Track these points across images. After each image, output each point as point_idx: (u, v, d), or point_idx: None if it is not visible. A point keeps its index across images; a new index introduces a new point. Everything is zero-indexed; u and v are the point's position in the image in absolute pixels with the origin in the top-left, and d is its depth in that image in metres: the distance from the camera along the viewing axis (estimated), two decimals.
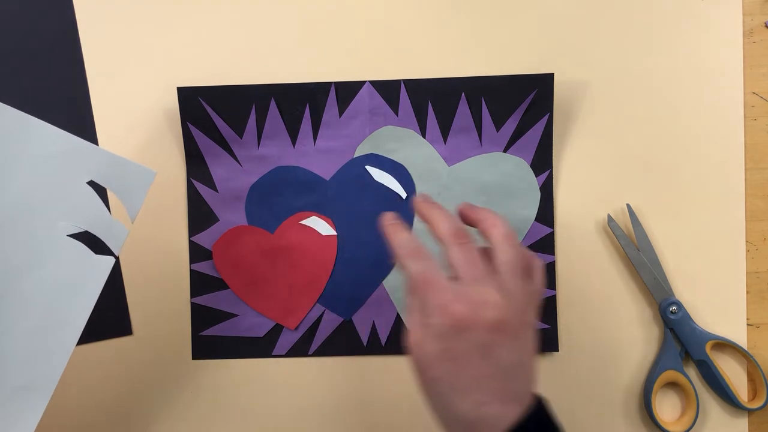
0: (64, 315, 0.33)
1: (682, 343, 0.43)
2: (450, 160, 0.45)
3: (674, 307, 0.43)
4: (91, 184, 0.34)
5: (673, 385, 0.44)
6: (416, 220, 0.45)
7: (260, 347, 0.45)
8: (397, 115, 0.44)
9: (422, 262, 0.30)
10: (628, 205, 0.43)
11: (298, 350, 0.45)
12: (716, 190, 0.44)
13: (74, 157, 0.33)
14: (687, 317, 0.43)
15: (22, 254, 0.33)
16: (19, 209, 0.33)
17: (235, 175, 0.45)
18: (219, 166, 0.45)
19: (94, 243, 0.34)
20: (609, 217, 0.43)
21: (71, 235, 0.33)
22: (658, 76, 0.44)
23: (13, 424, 0.33)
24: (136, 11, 0.45)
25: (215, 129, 0.44)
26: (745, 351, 0.43)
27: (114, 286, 0.44)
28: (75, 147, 0.33)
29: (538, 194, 0.44)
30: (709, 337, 0.43)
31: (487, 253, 0.31)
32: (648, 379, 0.44)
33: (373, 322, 0.45)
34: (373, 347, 0.45)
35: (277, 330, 0.45)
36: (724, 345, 0.44)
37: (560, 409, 0.45)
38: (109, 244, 0.34)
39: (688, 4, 0.44)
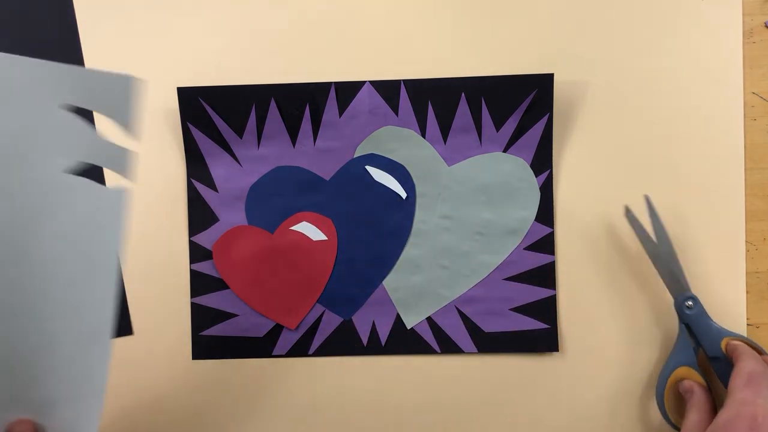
0: (91, 264, 0.30)
1: (696, 340, 0.43)
2: (450, 160, 0.45)
3: (690, 302, 0.42)
4: (72, 109, 0.30)
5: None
6: (416, 220, 0.45)
7: (260, 347, 0.45)
8: (397, 115, 0.44)
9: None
10: (646, 197, 0.43)
11: (298, 350, 0.45)
12: (716, 190, 0.44)
13: (42, 82, 0.29)
14: (703, 313, 0.42)
15: (26, 209, 0.29)
16: (5, 157, 0.29)
17: (235, 175, 0.45)
18: (219, 166, 0.45)
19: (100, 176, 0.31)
20: (626, 208, 0.43)
21: (71, 173, 0.30)
22: (658, 76, 0.44)
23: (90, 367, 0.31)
24: (136, 11, 0.45)
25: (215, 129, 0.44)
26: (761, 348, 0.42)
27: None
28: (39, 70, 0.29)
29: (538, 194, 0.44)
30: (726, 333, 0.42)
31: None
32: (661, 375, 0.43)
33: (373, 322, 0.45)
34: (373, 347, 0.45)
35: (277, 330, 0.45)
36: (740, 342, 0.43)
37: (560, 410, 0.46)
38: (116, 170, 0.30)
39: (687, 4, 0.44)
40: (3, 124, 0.29)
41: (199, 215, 0.45)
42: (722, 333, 0.42)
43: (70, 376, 0.31)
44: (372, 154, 0.45)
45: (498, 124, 0.44)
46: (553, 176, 0.44)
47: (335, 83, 0.44)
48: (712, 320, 0.42)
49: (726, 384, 0.41)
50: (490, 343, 0.45)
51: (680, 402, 0.44)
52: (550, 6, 0.44)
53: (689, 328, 0.42)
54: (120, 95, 0.30)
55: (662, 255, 0.42)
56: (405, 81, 0.44)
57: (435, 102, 0.44)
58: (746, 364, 0.37)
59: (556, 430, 0.45)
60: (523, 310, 0.45)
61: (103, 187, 0.30)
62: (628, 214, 0.43)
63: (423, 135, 0.44)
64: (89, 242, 0.30)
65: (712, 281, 0.44)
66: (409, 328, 0.45)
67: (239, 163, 0.45)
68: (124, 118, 0.30)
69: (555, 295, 0.45)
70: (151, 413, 0.45)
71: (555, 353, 0.45)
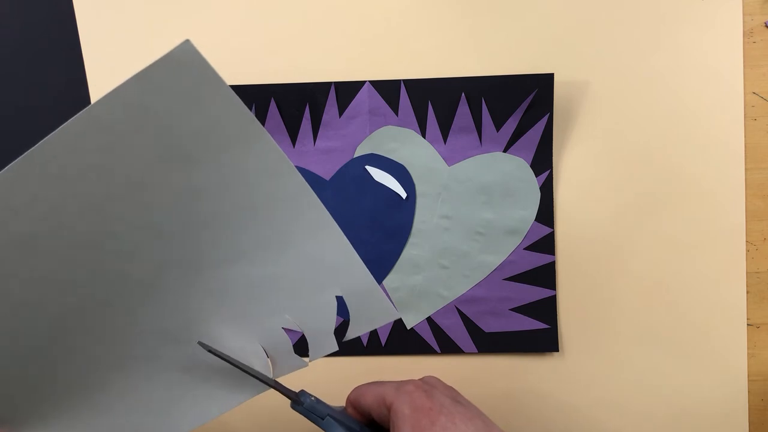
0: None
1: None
2: (450, 160, 0.45)
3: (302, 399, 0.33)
4: (338, 298, 0.31)
5: None
6: (416, 220, 0.45)
7: None
8: (397, 115, 0.44)
9: None
10: None
11: (298, 351, 0.45)
12: (716, 190, 0.44)
13: (341, 270, 0.31)
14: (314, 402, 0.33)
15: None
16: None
17: None
18: None
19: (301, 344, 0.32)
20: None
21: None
22: (658, 76, 0.44)
23: None
24: (136, 11, 0.45)
25: None
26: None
27: None
28: (347, 261, 0.31)
29: (538, 194, 0.44)
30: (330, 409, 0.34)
31: None
32: None
33: None
34: (373, 347, 0.45)
35: None
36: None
37: (560, 410, 0.46)
38: (312, 352, 0.32)
39: (688, 4, 0.44)
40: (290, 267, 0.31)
41: None
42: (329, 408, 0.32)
43: None
44: (372, 154, 0.45)
45: (498, 124, 0.44)
46: (553, 176, 0.44)
47: (335, 83, 0.44)
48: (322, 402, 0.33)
49: None
50: (490, 343, 0.45)
51: None
52: (550, 6, 0.44)
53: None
54: (373, 317, 0.32)
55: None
56: (405, 81, 0.44)
57: (435, 102, 0.44)
58: (402, 402, 0.29)
59: (556, 430, 0.45)
60: (523, 310, 0.45)
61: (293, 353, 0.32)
62: None
63: (423, 135, 0.44)
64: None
65: (712, 281, 0.44)
66: (409, 328, 0.45)
67: None
68: (356, 331, 0.33)
69: (555, 295, 0.45)
70: None
71: (555, 353, 0.45)
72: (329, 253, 0.30)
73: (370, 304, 0.31)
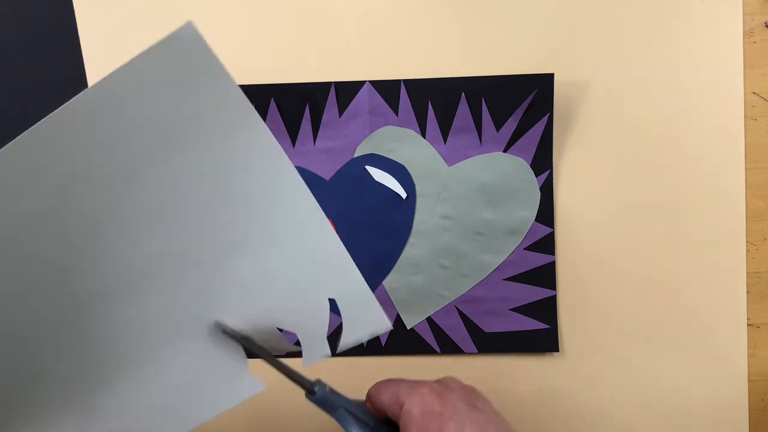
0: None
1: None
2: (450, 160, 0.45)
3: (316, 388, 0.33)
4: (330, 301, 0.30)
5: None
6: (416, 220, 0.45)
7: None
8: (397, 115, 0.44)
9: None
10: None
11: (298, 351, 0.45)
12: (716, 190, 0.44)
13: (333, 271, 0.30)
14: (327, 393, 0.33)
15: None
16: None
17: None
18: None
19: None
20: None
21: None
22: (658, 76, 0.44)
23: None
24: (136, 11, 0.45)
25: None
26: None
27: None
28: (339, 261, 0.30)
29: (538, 194, 0.44)
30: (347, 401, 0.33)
31: None
32: None
33: None
34: (373, 347, 0.45)
35: None
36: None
37: (560, 410, 0.46)
38: (305, 355, 0.31)
39: (687, 4, 0.44)
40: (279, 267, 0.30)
41: None
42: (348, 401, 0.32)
43: None
44: (372, 154, 0.45)
45: (498, 124, 0.44)
46: (553, 176, 0.44)
47: (335, 83, 0.44)
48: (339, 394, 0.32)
49: None
50: (490, 343, 0.45)
51: None
52: (549, 6, 0.44)
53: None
54: (365, 326, 0.31)
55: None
56: (405, 81, 0.44)
57: (435, 102, 0.44)
58: (413, 404, 0.29)
59: (556, 430, 0.45)
60: (523, 310, 0.45)
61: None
62: None
63: (423, 135, 0.44)
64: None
65: (712, 281, 0.44)
66: (409, 328, 0.45)
67: None
68: (347, 342, 0.31)
69: (555, 295, 0.45)
70: None
71: (555, 353, 0.45)
72: (321, 252, 0.30)
73: (362, 311, 0.31)
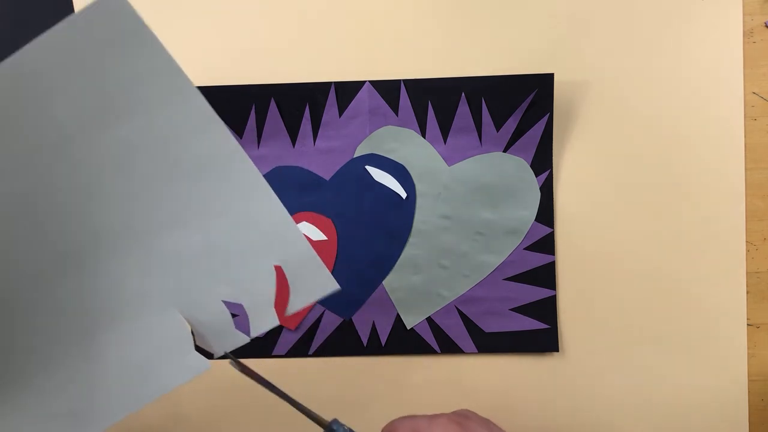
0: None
1: None
2: (450, 160, 0.45)
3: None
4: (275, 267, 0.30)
5: None
6: (416, 220, 0.45)
7: (260, 347, 0.45)
8: (397, 115, 0.44)
9: None
10: None
11: (298, 350, 0.45)
12: (716, 190, 0.44)
13: (277, 237, 0.29)
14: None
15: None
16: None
17: None
18: None
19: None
20: None
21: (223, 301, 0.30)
22: (658, 76, 0.44)
23: None
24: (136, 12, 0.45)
25: None
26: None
27: None
28: (283, 227, 0.29)
29: (538, 194, 0.44)
30: None
31: None
32: None
33: (373, 322, 0.45)
34: (373, 347, 0.45)
35: (277, 330, 0.45)
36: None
37: (560, 410, 0.46)
38: (252, 326, 0.30)
39: (688, 4, 0.44)
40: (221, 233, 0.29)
41: None
42: None
43: None
44: (372, 154, 0.45)
45: (498, 124, 0.44)
46: (553, 176, 0.44)
47: (335, 83, 0.44)
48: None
49: None
50: (490, 343, 0.45)
51: None
52: (550, 6, 0.44)
53: None
54: (312, 288, 0.30)
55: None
56: (405, 81, 0.44)
57: (435, 102, 0.44)
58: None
59: (556, 430, 0.45)
60: (523, 310, 0.45)
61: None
62: None
63: (423, 135, 0.44)
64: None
65: (712, 281, 0.44)
66: (409, 328, 0.45)
67: None
68: (294, 305, 0.30)
69: (555, 295, 0.45)
70: (150, 414, 0.45)
71: (555, 353, 0.45)
72: (264, 219, 0.29)
73: (309, 274, 0.30)
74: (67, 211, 0.27)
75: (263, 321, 0.30)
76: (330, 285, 0.30)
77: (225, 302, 0.30)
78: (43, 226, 0.27)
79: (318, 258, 0.30)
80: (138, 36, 0.25)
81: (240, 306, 0.30)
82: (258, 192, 0.28)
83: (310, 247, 0.29)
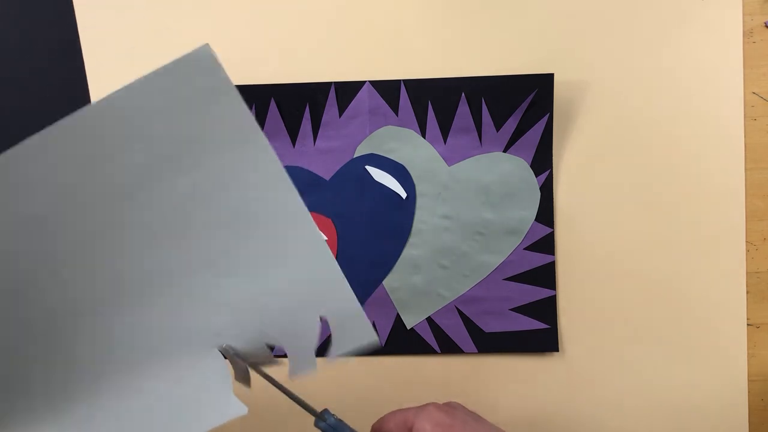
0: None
1: None
2: (450, 160, 0.45)
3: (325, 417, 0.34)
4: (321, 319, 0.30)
5: None
6: (416, 220, 0.45)
7: None
8: (397, 115, 0.44)
9: None
10: None
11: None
12: (716, 190, 0.44)
13: (329, 292, 0.30)
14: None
15: None
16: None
17: None
18: None
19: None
20: None
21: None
22: (658, 76, 0.44)
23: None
24: (136, 12, 0.45)
25: None
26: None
27: None
28: (338, 284, 0.30)
29: (538, 194, 0.44)
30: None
31: None
32: None
33: (373, 322, 0.45)
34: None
35: None
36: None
37: (560, 410, 0.46)
38: (291, 370, 0.31)
39: (687, 4, 0.44)
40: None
41: None
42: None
43: None
44: (372, 154, 0.45)
45: (498, 124, 0.44)
46: (553, 176, 0.44)
47: (335, 83, 0.44)
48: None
49: None
50: (490, 343, 0.45)
51: None
52: (549, 6, 0.44)
53: None
54: (354, 340, 0.31)
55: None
56: (405, 81, 0.44)
57: (435, 102, 0.44)
58: (423, 420, 0.31)
59: (556, 429, 0.45)
60: (523, 310, 0.45)
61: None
62: None
63: (423, 135, 0.44)
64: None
65: (712, 281, 0.44)
66: (409, 328, 0.45)
67: None
68: (334, 354, 0.31)
69: (555, 295, 0.45)
70: None
71: (555, 353, 0.45)
72: (320, 276, 0.30)
73: (352, 326, 0.31)
74: (127, 250, 0.28)
75: (303, 365, 0.31)
76: (370, 337, 0.31)
77: (268, 345, 0.31)
78: (104, 263, 0.28)
79: (362, 312, 0.31)
80: (221, 91, 0.26)
81: (282, 350, 0.31)
82: (315, 246, 0.29)
83: (357, 301, 0.30)
